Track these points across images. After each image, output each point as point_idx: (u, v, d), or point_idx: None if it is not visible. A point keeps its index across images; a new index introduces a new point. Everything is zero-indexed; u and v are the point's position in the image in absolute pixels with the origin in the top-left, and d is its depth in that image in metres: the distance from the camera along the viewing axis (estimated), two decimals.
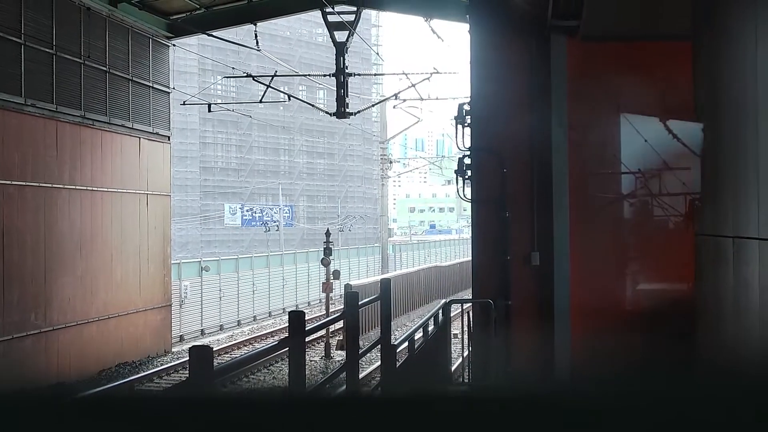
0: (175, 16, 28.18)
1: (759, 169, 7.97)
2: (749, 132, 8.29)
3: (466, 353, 16.51)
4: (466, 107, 16.37)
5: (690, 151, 13.52)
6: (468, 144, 16.08)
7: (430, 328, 13.02)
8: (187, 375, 4.93)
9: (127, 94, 26.77)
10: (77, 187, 24.17)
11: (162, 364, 26.15)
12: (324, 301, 32.95)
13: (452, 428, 1.61)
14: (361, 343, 9.95)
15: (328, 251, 30.86)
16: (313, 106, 37.15)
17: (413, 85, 31.15)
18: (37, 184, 22.52)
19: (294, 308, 43.02)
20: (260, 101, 31.19)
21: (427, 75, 31.23)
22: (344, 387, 9.10)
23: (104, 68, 25.44)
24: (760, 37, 7.92)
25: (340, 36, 26.74)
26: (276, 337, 32.80)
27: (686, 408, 1.66)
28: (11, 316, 21.73)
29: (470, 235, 16.51)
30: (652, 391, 1.74)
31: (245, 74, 30.65)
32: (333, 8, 26.12)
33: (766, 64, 7.78)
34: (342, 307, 11.44)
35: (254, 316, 40.96)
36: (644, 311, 14.79)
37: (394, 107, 42.19)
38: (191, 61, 75.74)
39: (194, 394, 4.50)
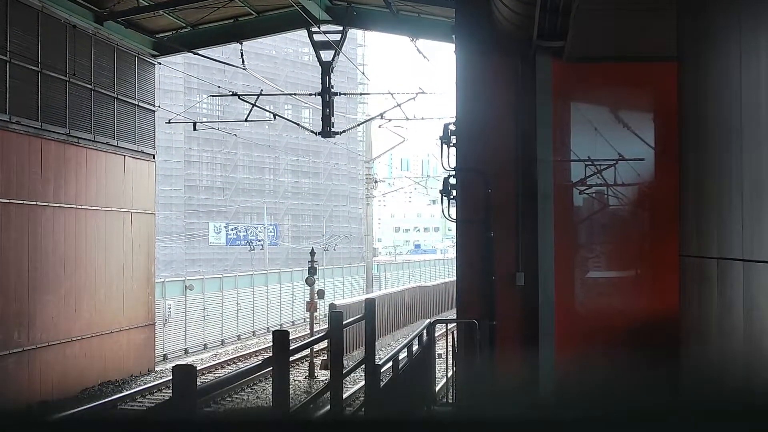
0: (161, 35, 28.17)
1: (743, 191, 7.99)
2: (734, 153, 8.31)
3: (450, 373, 16.48)
4: (452, 127, 16.39)
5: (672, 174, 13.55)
6: (453, 164, 16.10)
7: (415, 348, 13.00)
8: (171, 394, 4.90)
9: (113, 112, 26.72)
10: (61, 205, 24.09)
11: (145, 384, 26.03)
12: (308, 320, 32.86)
13: None
14: (345, 362, 9.92)
15: (312, 270, 30.80)
16: (298, 125, 37.11)
17: (399, 105, 31.20)
18: (21, 202, 22.43)
19: (278, 327, 42.90)
20: (246, 120, 31.21)
21: (413, 95, 31.27)
22: (328, 407, 9.07)
23: (89, 86, 25.40)
24: (745, 60, 7.95)
25: (326, 55, 26.79)
26: (260, 357, 32.70)
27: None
28: None
29: (455, 255, 16.51)
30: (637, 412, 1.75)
31: (231, 93, 30.66)
32: (319, 28, 26.17)
33: (750, 87, 7.81)
34: (326, 326, 11.42)
35: (238, 336, 40.83)
36: (629, 332, 14.80)
37: (379, 127, 42.28)
38: (177, 80, 75.68)
39: (176, 416, 4.48)
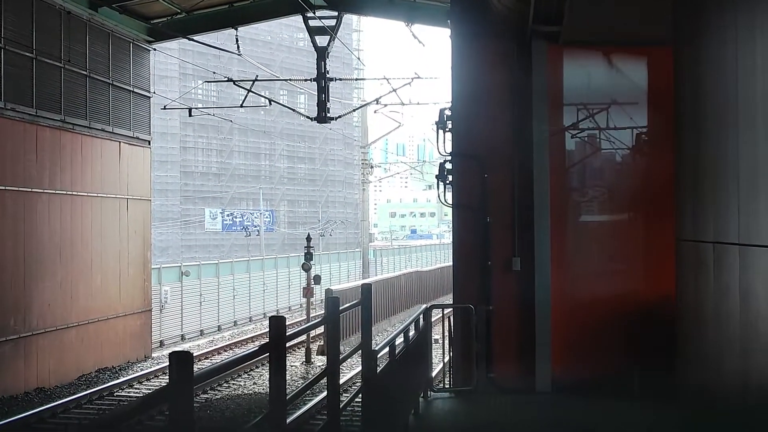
0: (155, 21, 28.10)
1: (739, 175, 7.99)
2: (730, 138, 8.31)
3: (447, 358, 16.50)
4: (447, 112, 16.37)
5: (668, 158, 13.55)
6: (449, 149, 16.08)
7: (411, 333, 13.01)
8: (167, 381, 4.90)
9: (108, 98, 26.67)
10: (57, 192, 24.06)
11: (142, 370, 26.06)
12: (305, 306, 32.88)
13: None
14: (341, 348, 9.93)
15: (308, 256, 30.80)
16: (294, 110, 37.06)
17: (394, 90, 31.14)
18: (17, 189, 22.40)
19: (274, 313, 42.94)
20: (241, 106, 31.18)
21: (409, 80, 31.22)
22: (325, 393, 9.07)
23: (84, 72, 25.34)
24: (741, 43, 7.94)
25: (321, 41, 26.73)
26: (256, 343, 32.73)
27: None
28: None
29: (451, 240, 16.50)
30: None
31: (226, 79, 30.59)
32: (314, 13, 26.11)
33: (746, 70, 7.80)
34: (323, 312, 11.41)
35: (235, 321, 40.87)
36: (625, 317, 14.81)
37: (375, 112, 42.22)
38: (172, 66, 75.60)
39: None
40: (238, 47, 27.72)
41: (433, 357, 18.26)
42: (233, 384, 24.31)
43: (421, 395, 14.14)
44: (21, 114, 22.52)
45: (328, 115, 27.05)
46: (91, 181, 25.77)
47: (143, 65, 28.89)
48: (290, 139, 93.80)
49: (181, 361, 4.81)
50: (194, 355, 6.25)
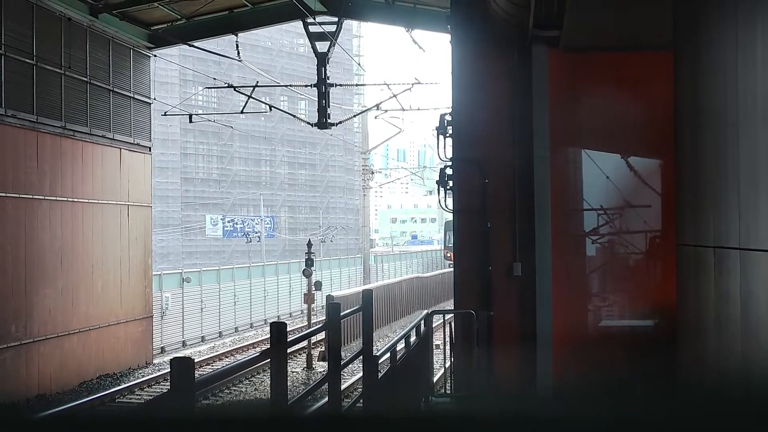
0: (156, 27, 28.12)
1: (740, 179, 7.98)
2: (730, 142, 8.30)
3: (448, 364, 16.49)
4: (448, 118, 16.38)
5: (668, 164, 13.53)
6: (450, 154, 16.09)
7: (412, 339, 13.00)
8: (169, 387, 4.90)
9: (108, 104, 26.68)
10: (58, 199, 24.06)
11: (143, 376, 26.04)
12: (306, 312, 32.87)
13: None
14: (343, 354, 9.92)
15: (309, 262, 30.79)
16: (294, 116, 37.15)
17: (395, 96, 31.17)
18: (18, 196, 22.40)
19: (276, 319, 42.91)
20: (241, 112, 31.17)
21: (409, 85, 31.25)
22: (326, 399, 9.07)
23: (85, 79, 25.35)
24: (741, 49, 7.94)
25: (322, 46, 26.74)
26: (258, 349, 32.71)
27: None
28: None
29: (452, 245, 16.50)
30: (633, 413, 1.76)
31: (226, 85, 30.62)
32: (314, 19, 26.12)
33: (746, 74, 7.80)
34: (324, 318, 11.41)
35: (236, 328, 40.84)
36: (627, 321, 14.80)
37: (375, 118, 42.22)
38: (172, 72, 75.59)
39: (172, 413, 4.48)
40: (239, 53, 27.74)
41: (434, 362, 18.25)
42: (234, 390, 24.29)
43: (423, 400, 14.14)
44: (21, 120, 22.52)
45: (329, 120, 27.06)
46: (91, 187, 25.78)
47: (144, 71, 28.90)
48: (291, 145, 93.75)
49: (182, 367, 4.82)
50: (195, 361, 6.25)
